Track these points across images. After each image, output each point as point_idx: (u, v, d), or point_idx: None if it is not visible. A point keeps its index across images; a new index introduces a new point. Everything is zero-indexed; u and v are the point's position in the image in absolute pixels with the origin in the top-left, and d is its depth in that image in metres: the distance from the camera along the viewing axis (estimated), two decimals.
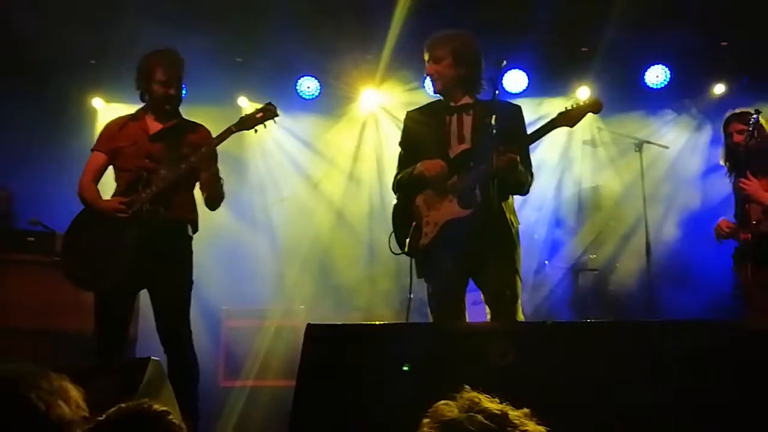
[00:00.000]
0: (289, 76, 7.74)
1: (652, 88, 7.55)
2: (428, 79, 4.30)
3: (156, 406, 1.95)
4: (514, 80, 7.40)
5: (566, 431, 1.69)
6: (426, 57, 4.20)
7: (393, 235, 4.16)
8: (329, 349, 3.02)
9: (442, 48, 4.14)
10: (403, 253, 4.10)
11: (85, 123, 7.89)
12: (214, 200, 4.42)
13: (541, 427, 1.70)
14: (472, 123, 4.06)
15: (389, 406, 2.71)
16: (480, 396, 1.71)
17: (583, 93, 7.71)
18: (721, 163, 5.12)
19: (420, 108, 4.41)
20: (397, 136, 7.90)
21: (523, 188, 4.09)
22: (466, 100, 4.14)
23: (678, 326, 3.22)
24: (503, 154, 3.77)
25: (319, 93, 7.85)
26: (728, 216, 5.00)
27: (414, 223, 4.06)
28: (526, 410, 1.72)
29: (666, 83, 7.52)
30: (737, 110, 5.07)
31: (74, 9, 6.54)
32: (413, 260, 4.12)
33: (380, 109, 8.08)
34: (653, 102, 7.64)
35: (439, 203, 4.01)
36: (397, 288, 7.10)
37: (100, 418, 1.93)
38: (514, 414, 1.69)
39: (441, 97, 4.26)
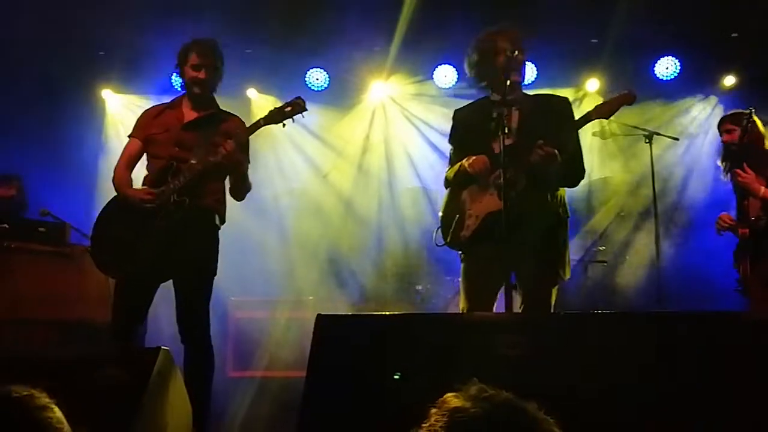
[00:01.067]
0: (298, 67, 7.75)
1: (661, 79, 7.53)
2: (508, 68, 4.01)
3: (20, 392, 1.84)
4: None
5: (575, 422, 1.69)
6: (500, 45, 4.07)
7: (439, 228, 4.19)
8: (339, 340, 3.02)
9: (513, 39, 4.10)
10: (445, 244, 4.15)
11: (94, 114, 7.94)
12: (239, 191, 4.44)
13: (548, 417, 1.69)
14: (518, 117, 4.06)
15: (400, 397, 2.72)
16: (487, 387, 1.72)
17: (592, 84, 7.70)
18: (718, 163, 5.21)
19: (469, 105, 4.37)
20: (406, 127, 8.05)
21: (568, 181, 4.11)
22: (516, 94, 4.11)
23: (684, 317, 3.22)
24: (540, 149, 3.80)
25: (328, 85, 7.86)
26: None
27: (458, 216, 4.09)
28: (533, 404, 1.72)
29: (676, 74, 7.49)
30: (730, 111, 5.28)
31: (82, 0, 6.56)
32: (461, 251, 4.16)
33: (389, 100, 8.08)
34: (663, 93, 7.61)
35: (482, 196, 4.04)
36: (406, 278, 7.11)
37: None
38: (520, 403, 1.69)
39: (487, 93, 4.20)
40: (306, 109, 4.33)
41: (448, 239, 4.12)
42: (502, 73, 3.99)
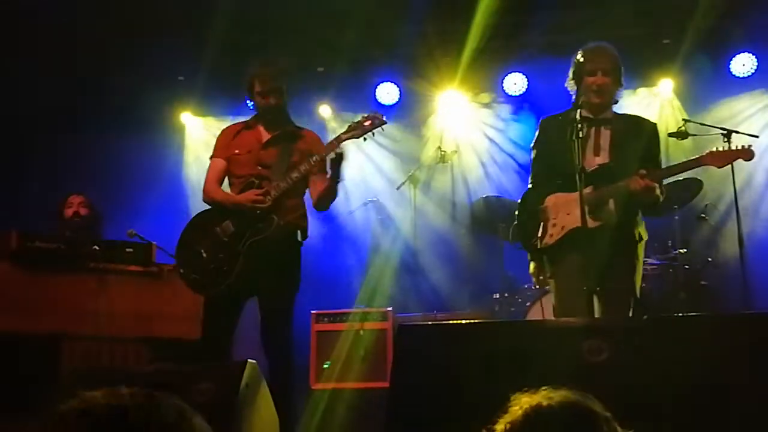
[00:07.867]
0: (368, 83, 7.85)
1: (738, 77, 7.35)
2: (590, 90, 4.09)
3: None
4: None
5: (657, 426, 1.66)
6: (589, 67, 4.13)
7: (515, 226, 4.28)
8: (421, 349, 3.04)
9: (611, 61, 4.14)
10: (523, 248, 4.22)
11: (174, 137, 8.19)
12: (325, 203, 4.52)
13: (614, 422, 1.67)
14: (611, 137, 4.10)
15: (483, 404, 2.73)
16: (557, 389, 1.71)
17: (665, 85, 7.56)
18: None
19: (557, 115, 4.37)
20: (478, 136, 8.04)
21: (658, 210, 4.19)
22: (608, 113, 4.17)
23: None
24: (642, 179, 3.86)
25: (400, 99, 7.92)
26: None
27: (541, 222, 4.13)
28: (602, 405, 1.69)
29: (754, 71, 7.30)
30: None
31: (161, 26, 6.80)
32: (544, 258, 4.20)
33: (460, 110, 8.09)
34: (741, 90, 7.43)
35: (570, 209, 4.04)
36: (482, 286, 7.10)
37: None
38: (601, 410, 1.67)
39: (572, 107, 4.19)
40: (385, 122, 4.43)
41: (531, 245, 4.15)
42: (584, 94, 4.08)
